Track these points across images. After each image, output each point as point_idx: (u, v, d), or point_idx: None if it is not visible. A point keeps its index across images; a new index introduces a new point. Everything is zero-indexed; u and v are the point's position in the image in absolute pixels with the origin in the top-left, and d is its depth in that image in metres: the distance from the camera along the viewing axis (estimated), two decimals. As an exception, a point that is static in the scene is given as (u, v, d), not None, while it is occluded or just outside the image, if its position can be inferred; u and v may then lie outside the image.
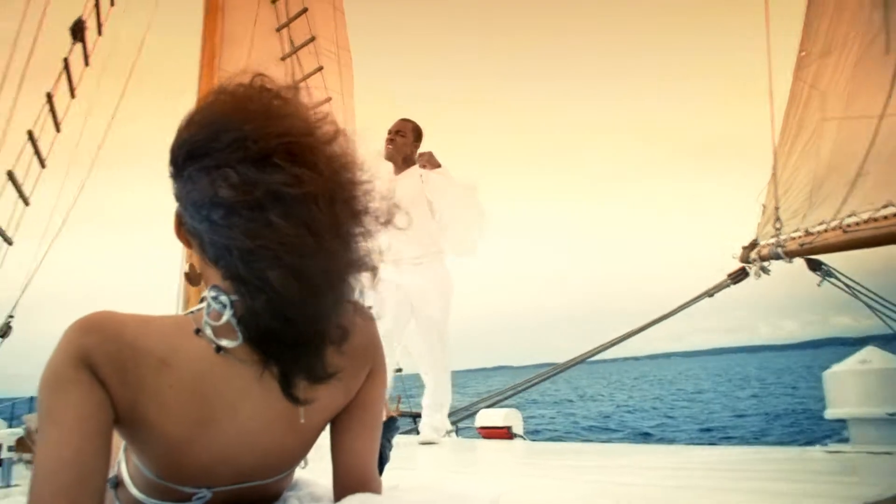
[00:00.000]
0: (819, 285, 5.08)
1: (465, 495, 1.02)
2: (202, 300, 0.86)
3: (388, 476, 1.15)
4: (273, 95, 0.81)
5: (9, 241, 4.95)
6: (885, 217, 4.38)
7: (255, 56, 6.86)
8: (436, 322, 3.54)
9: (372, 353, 1.01)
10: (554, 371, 5.55)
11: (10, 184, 4.82)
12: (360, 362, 0.99)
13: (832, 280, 5.03)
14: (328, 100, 6.98)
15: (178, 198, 0.84)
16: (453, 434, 4.70)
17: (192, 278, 0.83)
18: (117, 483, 1.06)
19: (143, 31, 5.98)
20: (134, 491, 1.00)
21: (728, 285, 5.65)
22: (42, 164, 5.11)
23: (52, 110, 5.09)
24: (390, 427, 1.35)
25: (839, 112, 5.21)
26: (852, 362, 2.15)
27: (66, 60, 5.19)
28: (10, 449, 2.06)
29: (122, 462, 1.04)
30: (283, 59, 7.44)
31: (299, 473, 1.27)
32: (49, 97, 5.05)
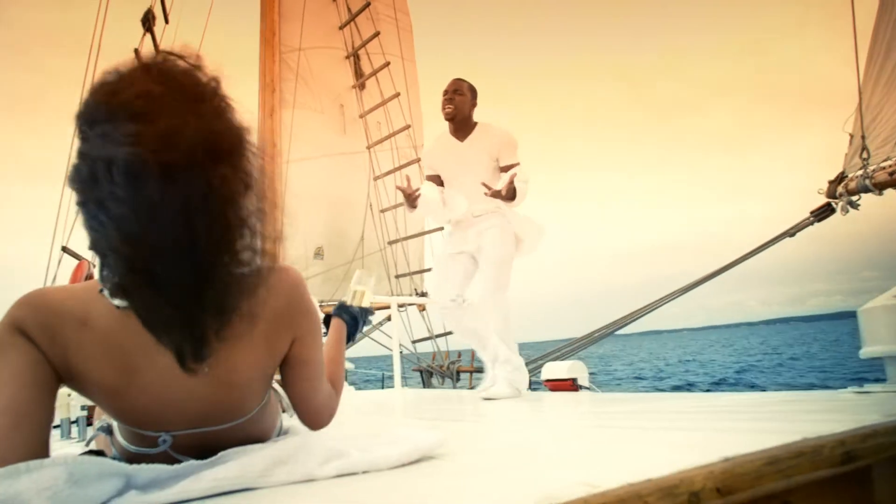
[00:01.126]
0: (913, 218, 4.65)
1: (405, 437, 1.08)
2: None
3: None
4: (136, 93, 0.80)
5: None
6: None
7: (312, 28, 7.00)
8: (494, 260, 3.34)
9: (295, 313, 1.09)
10: (623, 322, 5.46)
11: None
12: (280, 322, 1.07)
13: (929, 211, 4.59)
14: (386, 65, 7.04)
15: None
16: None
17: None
18: (111, 430, 1.21)
19: (204, 16, 6.25)
20: (119, 438, 1.14)
21: (811, 223, 5.28)
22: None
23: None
24: (366, 312, 1.64)
25: (936, 22, 4.67)
26: (887, 296, 1.98)
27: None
28: (82, 408, 2.35)
29: None
30: (341, 28, 7.56)
31: (289, 422, 1.38)
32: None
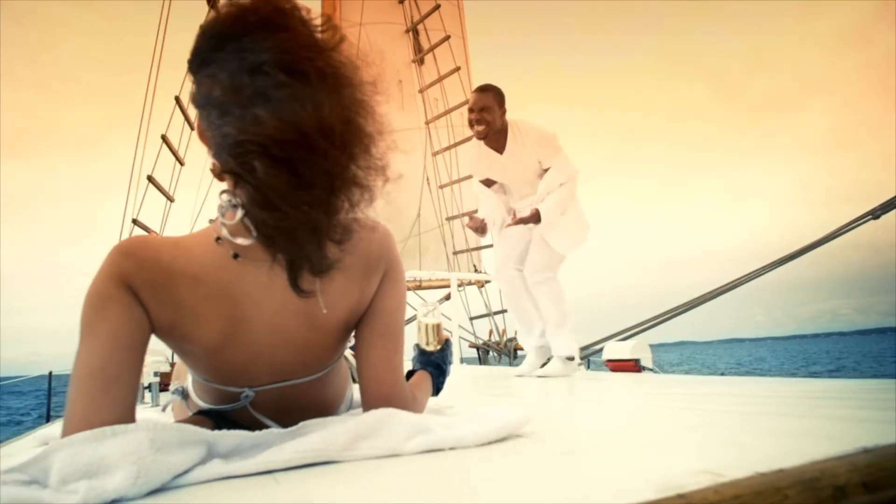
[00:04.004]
0: None
1: (491, 414, 1.02)
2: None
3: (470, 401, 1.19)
4: (272, 9, 0.84)
5: (171, 199, 5.56)
6: None
7: (372, 3, 6.94)
8: (542, 244, 3.45)
9: (385, 260, 1.08)
10: (690, 304, 5.26)
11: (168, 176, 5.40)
12: (373, 265, 1.06)
13: None
14: (447, 38, 6.93)
15: (193, 101, 0.89)
16: (582, 367, 4.68)
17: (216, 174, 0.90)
18: (186, 395, 1.20)
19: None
20: (196, 398, 1.13)
21: (899, 203, 4.94)
22: (180, 162, 5.70)
23: (183, 110, 5.67)
24: (445, 350, 1.38)
25: None
26: None
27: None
28: (154, 374, 2.41)
29: (190, 375, 1.17)
30: (401, 1, 7.47)
31: (356, 395, 1.35)
32: (178, 100, 5.64)
